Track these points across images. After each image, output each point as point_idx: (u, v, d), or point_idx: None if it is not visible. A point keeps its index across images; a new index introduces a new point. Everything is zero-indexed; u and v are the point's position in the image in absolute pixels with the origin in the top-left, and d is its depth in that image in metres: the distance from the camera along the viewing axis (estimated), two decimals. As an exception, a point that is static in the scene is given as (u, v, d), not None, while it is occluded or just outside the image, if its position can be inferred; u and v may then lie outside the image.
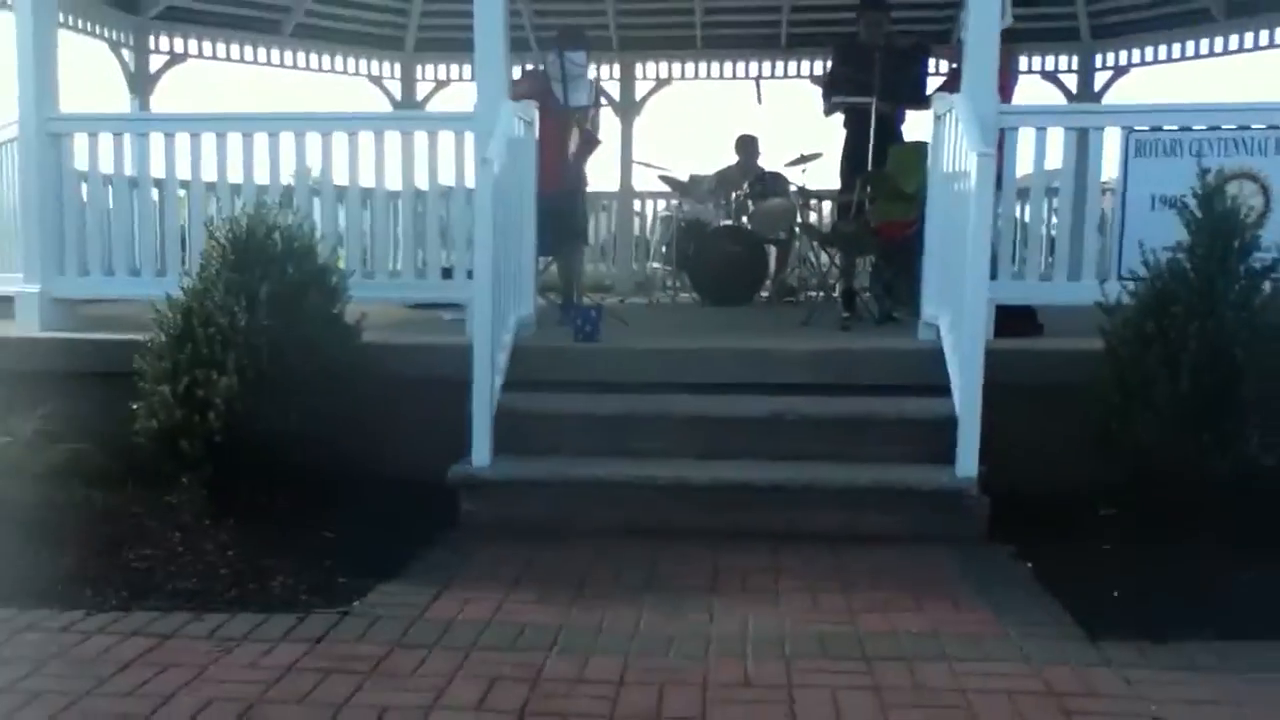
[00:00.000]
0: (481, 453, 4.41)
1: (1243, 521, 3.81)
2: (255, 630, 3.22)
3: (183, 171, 5.73)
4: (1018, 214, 5.72)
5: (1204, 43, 9.47)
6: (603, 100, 7.75)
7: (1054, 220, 6.25)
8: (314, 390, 4.24)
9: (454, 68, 10.89)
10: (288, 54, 10.16)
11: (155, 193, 6.16)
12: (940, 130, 5.19)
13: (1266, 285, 4.09)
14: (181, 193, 5.87)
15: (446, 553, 4.01)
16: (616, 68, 10.69)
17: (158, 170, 5.86)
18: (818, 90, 6.93)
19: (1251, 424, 3.87)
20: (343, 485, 4.36)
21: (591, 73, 6.90)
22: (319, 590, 3.56)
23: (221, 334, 4.22)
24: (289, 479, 4.21)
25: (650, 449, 4.54)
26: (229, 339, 4.21)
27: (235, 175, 5.72)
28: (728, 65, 10.76)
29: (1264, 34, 9.11)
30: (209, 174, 5.70)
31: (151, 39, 9.33)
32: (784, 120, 11.22)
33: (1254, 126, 5.07)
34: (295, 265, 4.51)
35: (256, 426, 4.11)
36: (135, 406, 4.31)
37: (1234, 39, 9.29)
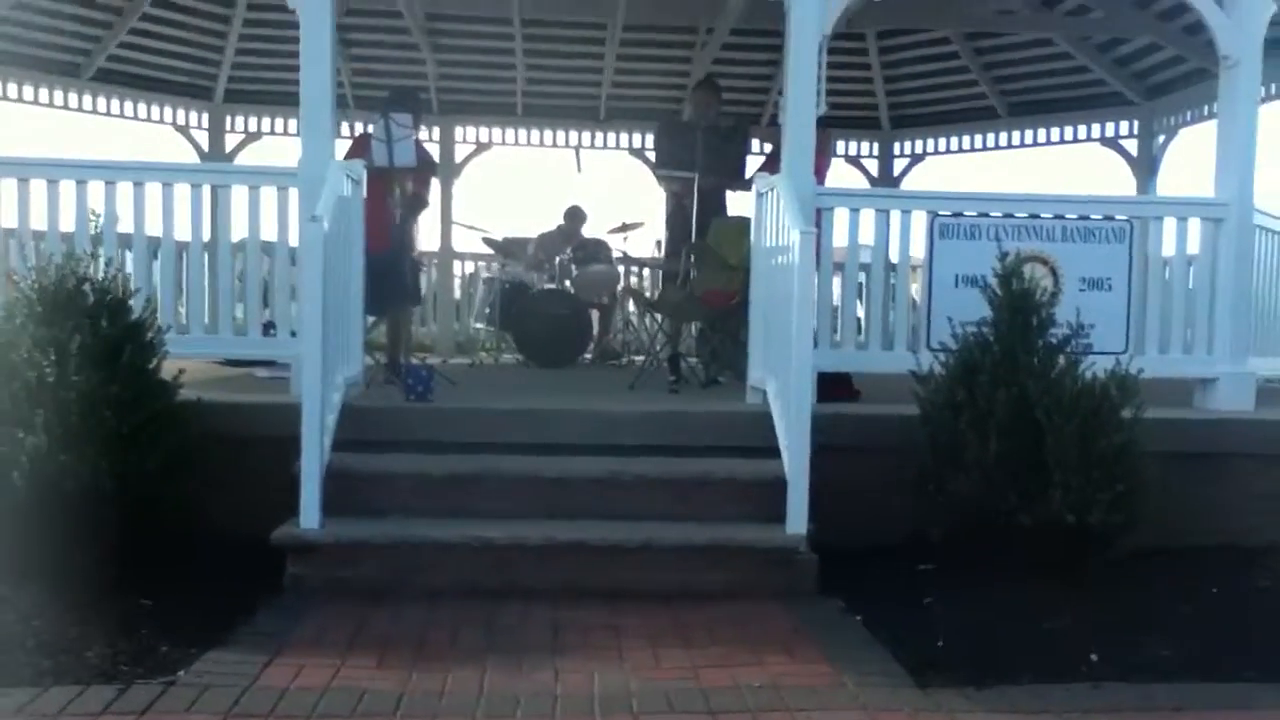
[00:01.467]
0: (310, 514, 4.26)
1: (1052, 572, 4.11)
2: (71, 704, 3.00)
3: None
4: (836, 286, 6.02)
5: (990, 136, 10.42)
6: (434, 160, 7.69)
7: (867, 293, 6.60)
8: (129, 449, 4.01)
9: (265, 120, 10.58)
10: (87, 98, 9.63)
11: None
12: (762, 207, 5.44)
13: (1061, 358, 4.46)
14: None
15: (277, 617, 3.84)
16: (437, 130, 10.68)
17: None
18: (637, 163, 7.14)
19: (1054, 483, 4.19)
20: (163, 548, 4.12)
21: (424, 133, 6.90)
22: (140, 659, 3.34)
23: (28, 390, 3.94)
24: (104, 542, 3.94)
25: (486, 509, 4.50)
26: (36, 396, 3.94)
27: (39, 223, 5.41)
28: (548, 133, 10.93)
29: (1041, 132, 10.09)
30: (8, 220, 5.36)
31: (-65, 76, 8.73)
32: (603, 188, 11.41)
33: (1043, 215, 5.56)
34: (109, 319, 4.27)
35: (67, 487, 3.84)
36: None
37: (1016, 135, 10.25)
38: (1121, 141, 9.67)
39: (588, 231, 9.55)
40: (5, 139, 22.65)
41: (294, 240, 5.36)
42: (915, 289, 6.03)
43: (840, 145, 10.81)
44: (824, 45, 5.61)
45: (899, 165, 10.91)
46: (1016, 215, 5.62)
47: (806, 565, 4.30)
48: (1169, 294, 5.80)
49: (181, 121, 10.31)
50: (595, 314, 8.91)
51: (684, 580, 4.25)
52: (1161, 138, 9.41)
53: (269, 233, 5.58)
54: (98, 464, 3.94)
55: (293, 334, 5.33)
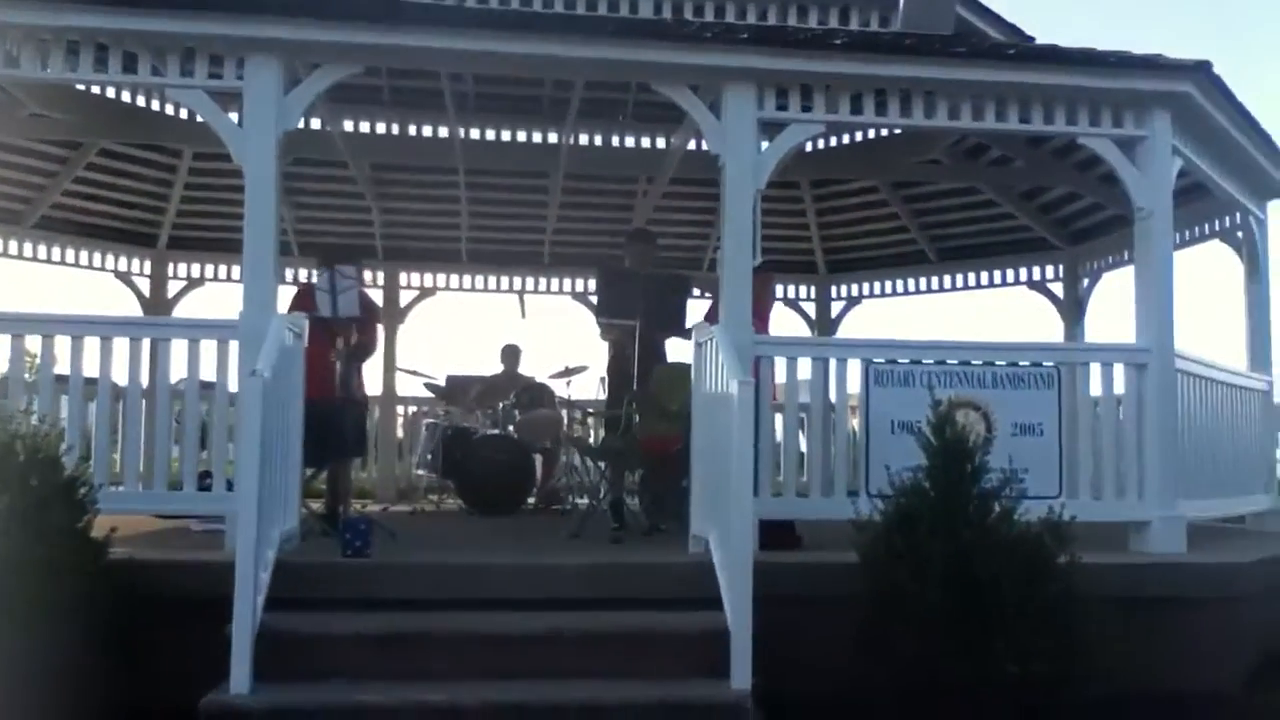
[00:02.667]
0: (241, 679, 4.11)
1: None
2: None
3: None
4: (776, 431, 6.10)
5: (922, 280, 10.77)
6: (378, 307, 7.73)
7: (807, 438, 6.69)
8: (56, 616, 3.88)
9: (209, 267, 10.62)
10: (28, 246, 9.61)
11: None
12: (702, 356, 5.53)
13: (996, 505, 4.53)
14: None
15: (201, 796, 3.68)
16: (381, 275, 10.78)
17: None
18: (580, 307, 7.26)
19: (996, 633, 4.20)
20: (94, 715, 3.95)
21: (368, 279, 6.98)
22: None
23: (-49, 553, 3.84)
24: (30, 711, 3.77)
25: (425, 670, 4.37)
26: (-41, 559, 3.83)
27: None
28: (492, 278, 11.09)
29: (971, 276, 10.46)
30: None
31: None
32: (547, 332, 11.56)
33: (974, 362, 5.72)
34: (39, 477, 4.20)
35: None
36: None
37: (946, 279, 10.61)
38: (1048, 285, 10.04)
39: (529, 373, 9.61)
40: (-60, 285, 22.42)
41: (233, 385, 5.33)
42: (855, 424, 6.13)
43: (779, 289, 11.07)
44: (758, 199, 5.82)
45: (836, 308, 11.20)
46: (949, 361, 5.77)
47: (751, 721, 4.23)
48: (1099, 438, 5.94)
49: (124, 268, 10.31)
50: (538, 459, 8.89)
51: (627, 742, 4.15)
52: (1086, 281, 9.78)
53: (209, 373, 5.56)
54: (22, 634, 3.81)
55: (229, 486, 5.26)
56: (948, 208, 10.18)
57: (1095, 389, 6.02)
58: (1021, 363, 5.82)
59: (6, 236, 9.42)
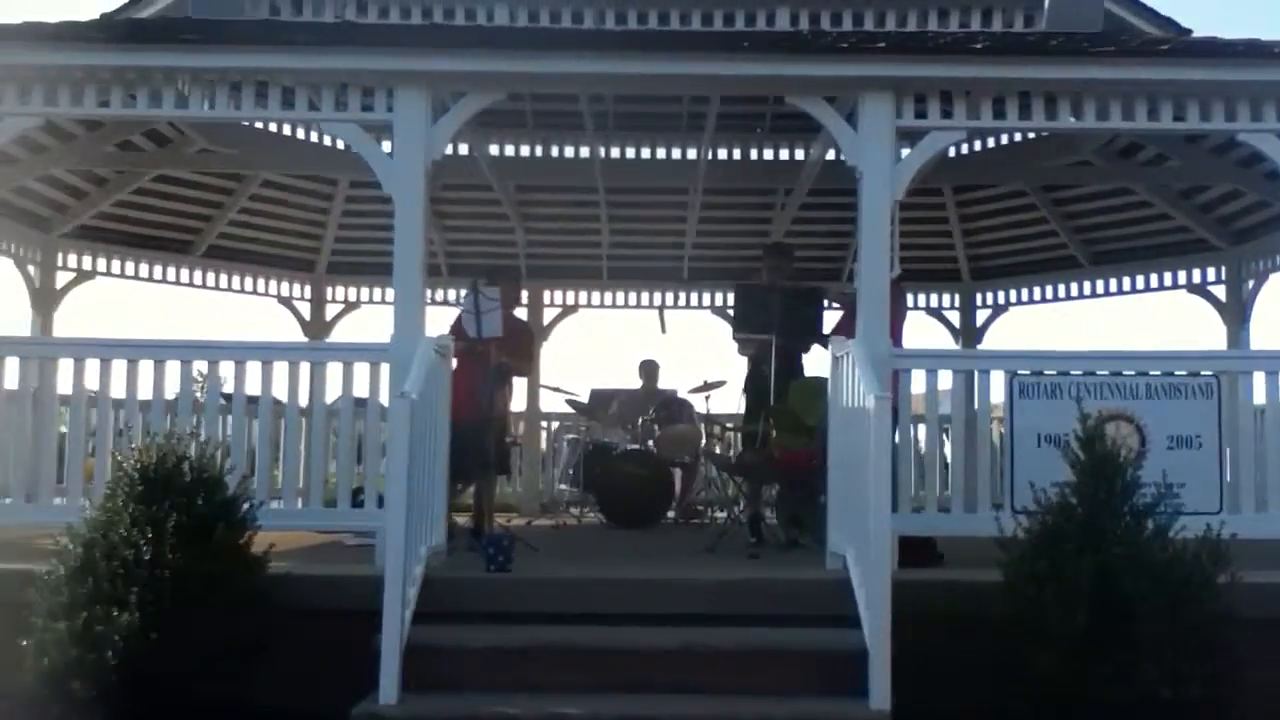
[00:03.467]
0: (389, 690, 4.29)
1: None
2: None
3: (90, 389, 5.71)
4: (916, 444, 5.99)
5: (1073, 286, 10.35)
6: (527, 330, 7.91)
7: (948, 451, 6.54)
8: (218, 626, 4.13)
9: (364, 290, 11.05)
10: (197, 273, 10.22)
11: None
12: (838, 371, 5.48)
13: (1149, 522, 4.35)
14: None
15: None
16: (525, 294, 11.00)
17: (64, 389, 5.82)
18: (720, 322, 7.29)
19: (1146, 655, 4.03)
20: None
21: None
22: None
23: (125, 568, 4.12)
24: (187, 718, 4.03)
25: (562, 682, 4.47)
26: (133, 573, 4.11)
27: (145, 394, 5.71)
28: (632, 295, 11.22)
29: (1126, 280, 10.02)
30: (118, 391, 5.68)
31: (60, 256, 9.34)
32: (687, 347, 11.60)
33: (1126, 372, 5.49)
34: (204, 496, 4.47)
35: (155, 665, 3.96)
36: (24, 643, 4.13)
37: (1099, 284, 10.18)
38: (1209, 288, 9.51)
39: (669, 387, 9.67)
40: (122, 313, 23.99)
41: (384, 400, 5.55)
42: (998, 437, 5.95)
43: (921, 298, 10.85)
44: (895, 209, 5.74)
45: (981, 316, 10.86)
46: (1099, 372, 5.56)
47: (890, 742, 4.17)
48: (1264, 449, 5.62)
49: (285, 294, 10.85)
50: (678, 473, 8.94)
51: (764, 759, 4.15)
52: (1251, 283, 9.22)
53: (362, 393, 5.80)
54: (187, 641, 4.06)
55: (380, 502, 5.47)
56: (1099, 210, 9.79)
57: (1260, 398, 5.70)
58: (1178, 372, 5.56)
59: (178, 265, 10.04)
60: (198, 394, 6.01)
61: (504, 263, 10.19)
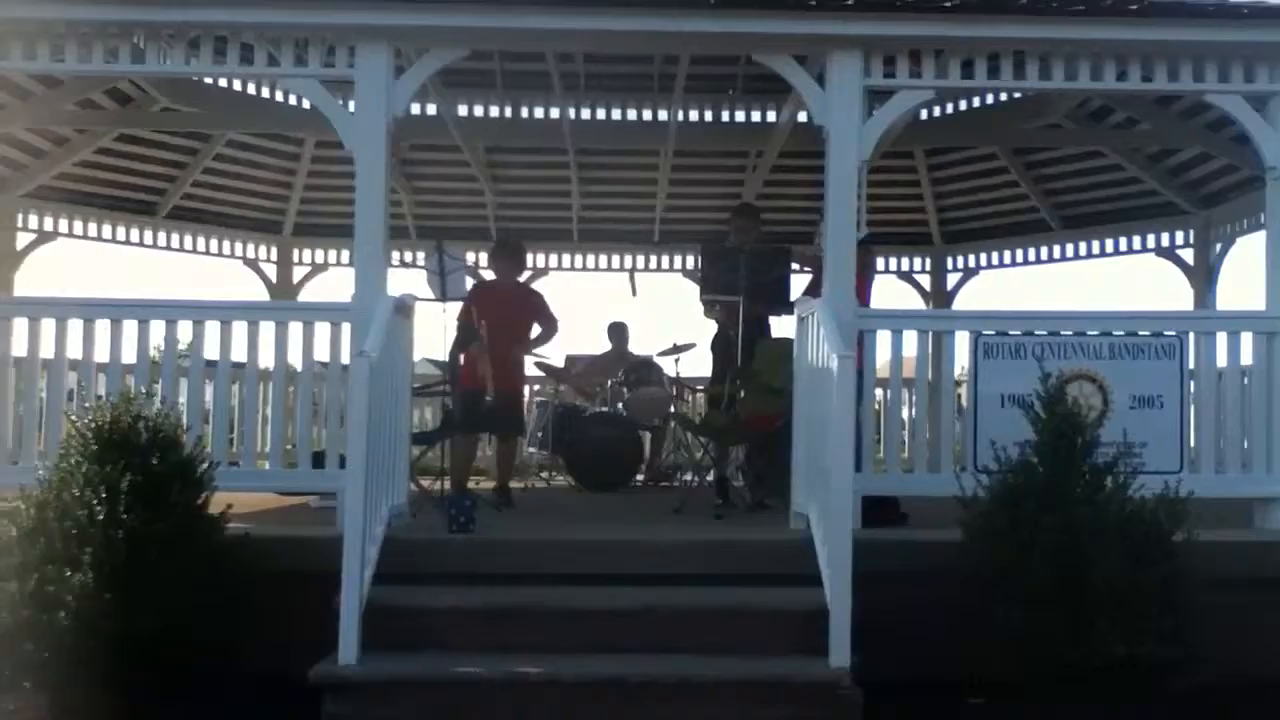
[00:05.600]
0: (349, 650, 4.27)
1: (1108, 710, 3.94)
2: None
3: (45, 352, 5.61)
4: (881, 404, 6.00)
5: (1044, 249, 10.38)
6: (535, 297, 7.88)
7: (913, 413, 6.55)
8: (174, 587, 4.09)
9: (331, 252, 10.92)
10: (161, 235, 10.08)
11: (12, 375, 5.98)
12: (804, 331, 5.46)
13: (1109, 481, 4.36)
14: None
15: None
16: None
17: (18, 351, 5.73)
18: (691, 284, 7.25)
19: (1103, 612, 4.05)
20: (203, 684, 4.15)
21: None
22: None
23: (79, 528, 4.06)
24: (144, 679, 3.99)
25: (524, 643, 4.46)
26: (86, 533, 4.05)
27: (102, 356, 5.63)
28: (603, 257, 11.15)
29: (1095, 244, 10.05)
30: (73, 352, 5.60)
31: (20, 216, 9.18)
32: (658, 310, 11.56)
33: (1089, 332, 5.50)
34: (160, 456, 4.41)
35: (110, 626, 3.92)
36: (-24, 604, 4.07)
37: (1070, 247, 10.21)
38: (1178, 251, 9.56)
39: (638, 350, 9.65)
40: (85, 275, 23.75)
41: (345, 361, 5.49)
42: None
43: (893, 261, 10.85)
44: (863, 170, 5.70)
45: (952, 280, 10.88)
46: (1063, 333, 5.57)
47: (850, 699, 4.16)
48: (1224, 410, 5.66)
49: (251, 255, 10.72)
50: (648, 436, 8.93)
51: (722, 716, 4.16)
52: (1219, 246, 9.28)
53: (323, 356, 5.74)
54: (142, 603, 4.02)
55: (341, 464, 5.42)
56: (1071, 173, 9.79)
57: (1221, 359, 5.72)
58: (1141, 332, 5.58)
59: (142, 226, 9.90)
60: (154, 355, 5.91)
61: (472, 225, 10.14)
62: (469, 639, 4.49)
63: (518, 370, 7.29)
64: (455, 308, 6.73)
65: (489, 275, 6.73)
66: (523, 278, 7.82)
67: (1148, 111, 8.11)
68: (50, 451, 5.13)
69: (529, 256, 10.96)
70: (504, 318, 6.76)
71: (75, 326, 5.57)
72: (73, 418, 4.58)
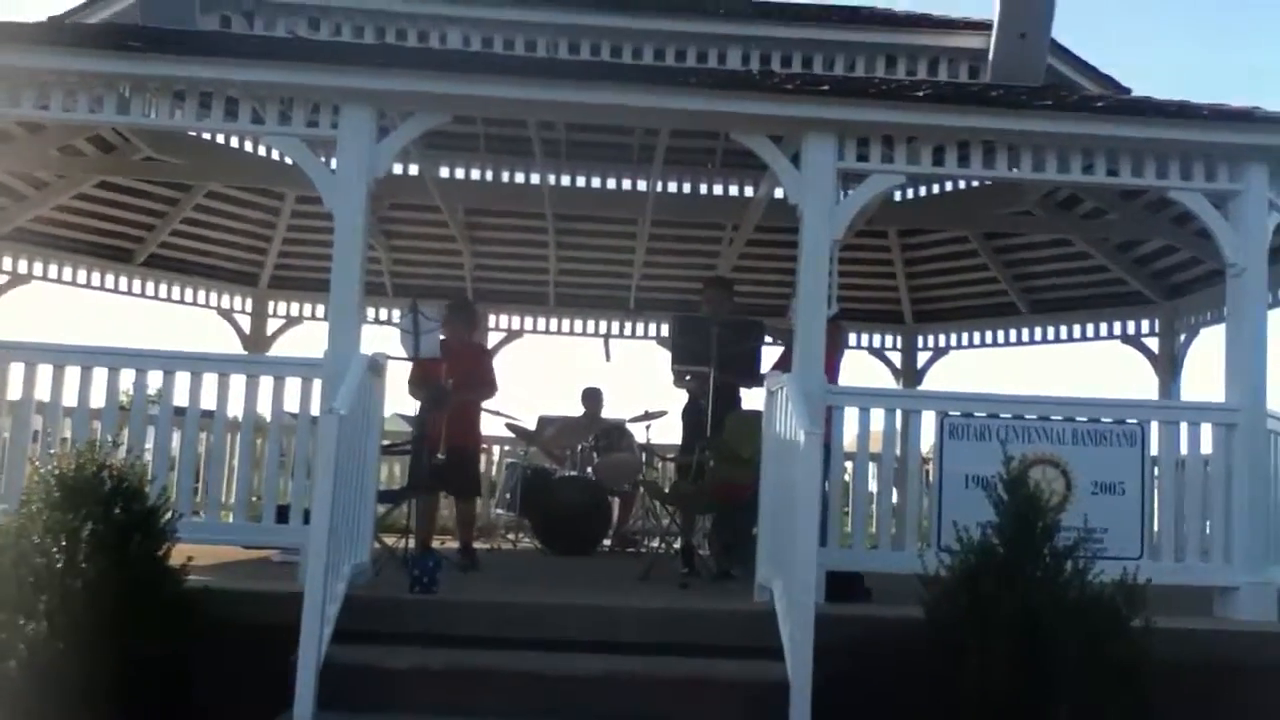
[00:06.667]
0: (304, 707, 4.21)
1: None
2: None
3: (12, 394, 5.58)
4: (848, 480, 6.04)
5: (1012, 332, 10.56)
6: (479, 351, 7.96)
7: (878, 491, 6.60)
8: (132, 637, 4.04)
9: (307, 306, 10.93)
10: (136, 283, 10.06)
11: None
12: (773, 404, 5.52)
13: (1069, 564, 4.40)
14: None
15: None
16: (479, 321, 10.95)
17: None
18: (665, 353, 7.30)
19: (1061, 694, 4.07)
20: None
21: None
22: None
23: (36, 576, 4.02)
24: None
25: (482, 707, 4.42)
26: (42, 581, 4.01)
27: (70, 400, 5.61)
28: (578, 322, 11.22)
29: (1064, 329, 10.24)
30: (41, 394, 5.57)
31: (-6, 260, 9.15)
32: (630, 377, 11.62)
33: (1054, 418, 5.59)
34: (123, 506, 4.38)
35: (63, 676, 3.86)
36: (-73, 649, 4.00)
37: (1038, 331, 10.39)
38: (1143, 340, 9.74)
39: (611, 415, 9.68)
40: (59, 319, 23.59)
41: (315, 413, 5.48)
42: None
43: (864, 338, 10.99)
44: (835, 248, 5.81)
45: (922, 358, 11.04)
46: (1027, 416, 5.66)
47: (809, 775, 4.17)
48: (1185, 499, 5.74)
49: (226, 306, 10.72)
50: (616, 501, 8.92)
51: (680, 789, 4.13)
52: (1183, 336, 9.46)
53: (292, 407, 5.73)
54: (99, 653, 3.96)
55: (305, 519, 5.39)
56: (1040, 259, 10.00)
57: (1184, 448, 5.82)
58: (1104, 419, 5.67)
59: (118, 273, 9.88)
60: (123, 399, 5.89)
61: (448, 285, 10.20)
62: (428, 700, 4.44)
63: (474, 429, 7.29)
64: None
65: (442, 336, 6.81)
66: (478, 337, 7.86)
67: (1115, 203, 8.33)
68: (11, 495, 5.09)
69: (505, 318, 11.14)
70: (460, 376, 6.80)
71: (45, 371, 5.55)
72: (36, 463, 4.55)
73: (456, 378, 6.79)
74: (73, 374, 5.54)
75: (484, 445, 10.81)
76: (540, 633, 4.86)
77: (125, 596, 4.11)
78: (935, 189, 9.31)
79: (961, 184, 9.01)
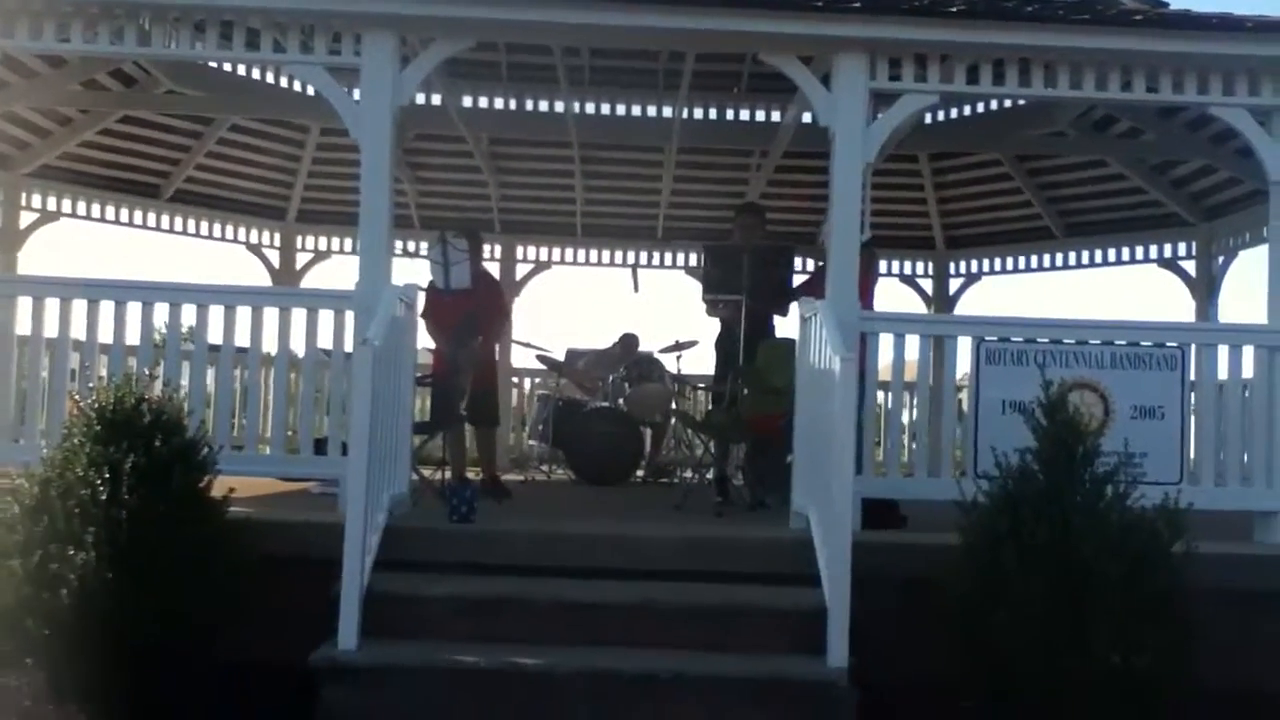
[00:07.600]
0: (348, 636, 4.29)
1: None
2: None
3: (49, 331, 5.61)
4: (882, 407, 6.01)
5: (1046, 257, 10.40)
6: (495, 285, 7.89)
7: (914, 416, 6.57)
8: (175, 568, 4.09)
9: (335, 239, 10.92)
10: (165, 218, 10.07)
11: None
12: (807, 331, 5.47)
13: (1108, 489, 4.37)
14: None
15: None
16: (498, 249, 10.92)
17: (22, 330, 5.73)
18: (694, 282, 7.27)
19: (1101, 621, 4.06)
20: (201, 667, 4.15)
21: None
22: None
23: (82, 507, 4.07)
24: (142, 661, 4.00)
25: (521, 634, 4.48)
26: (89, 513, 4.06)
27: (106, 337, 5.64)
28: (605, 252, 11.15)
29: (1098, 253, 10.07)
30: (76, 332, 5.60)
31: (24, 195, 9.16)
32: (659, 307, 11.57)
33: (1092, 341, 5.51)
34: (163, 438, 4.40)
35: (111, 605, 3.93)
36: (-22, 581, 4.08)
37: (1072, 255, 10.22)
38: (1180, 263, 9.58)
39: (641, 348, 9.66)
40: (87, 256, 23.69)
41: (349, 349, 5.49)
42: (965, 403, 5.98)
43: (895, 265, 10.87)
44: (867, 173, 5.72)
45: (954, 285, 10.90)
46: (1065, 341, 5.58)
47: (846, 700, 4.19)
48: (1224, 423, 5.68)
49: (254, 240, 10.71)
50: (648, 432, 8.94)
51: (717, 713, 4.17)
52: (1221, 259, 9.29)
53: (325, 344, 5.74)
54: (144, 583, 4.02)
55: (344, 450, 5.42)
56: (1074, 181, 9.80)
57: (1223, 372, 5.74)
58: (1143, 343, 5.60)
59: (145, 208, 9.88)
60: (157, 338, 5.91)
61: (476, 216, 10.13)
62: (467, 628, 4.50)
63: (490, 359, 7.27)
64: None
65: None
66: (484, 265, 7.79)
67: (1152, 122, 8.13)
68: (52, 430, 5.14)
69: (533, 250, 11.08)
70: (472, 306, 6.78)
71: (79, 307, 5.57)
72: (76, 397, 4.58)
73: (470, 307, 6.75)
74: (107, 309, 5.55)
75: (514, 379, 10.89)
76: (578, 561, 4.89)
77: (168, 528, 4.15)
78: (967, 110, 9.11)
79: (994, 104, 8.81)
